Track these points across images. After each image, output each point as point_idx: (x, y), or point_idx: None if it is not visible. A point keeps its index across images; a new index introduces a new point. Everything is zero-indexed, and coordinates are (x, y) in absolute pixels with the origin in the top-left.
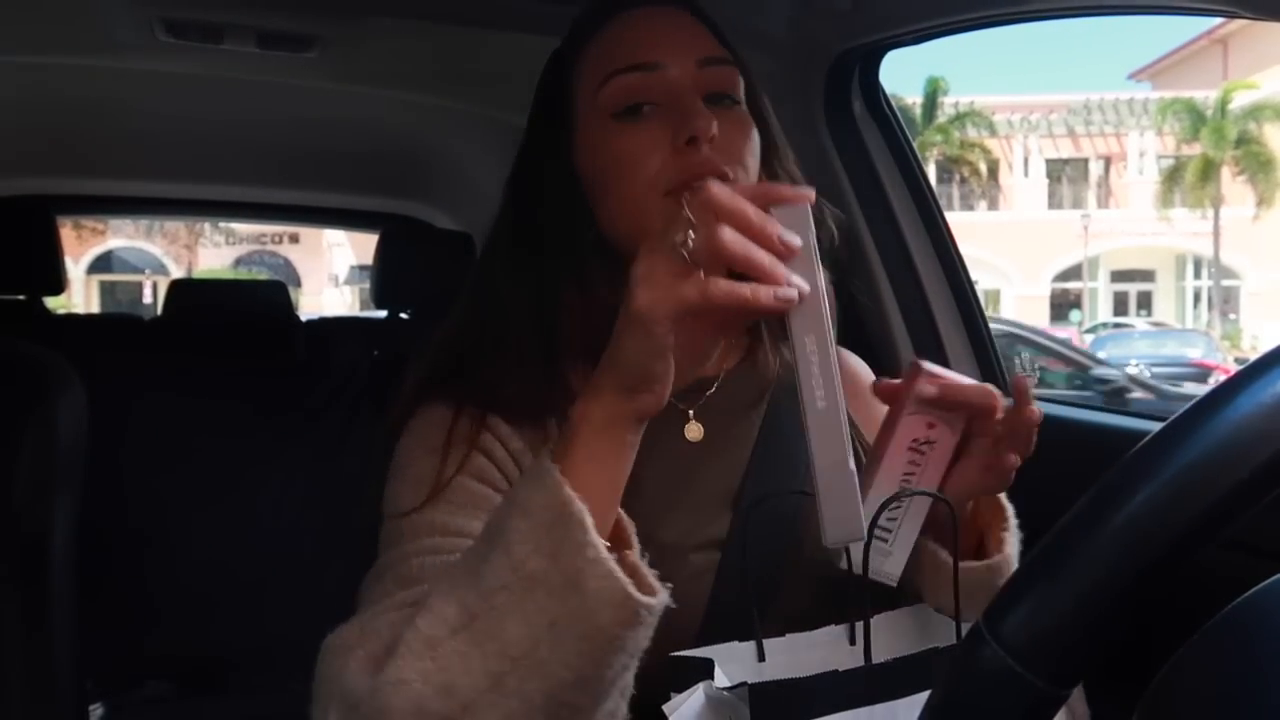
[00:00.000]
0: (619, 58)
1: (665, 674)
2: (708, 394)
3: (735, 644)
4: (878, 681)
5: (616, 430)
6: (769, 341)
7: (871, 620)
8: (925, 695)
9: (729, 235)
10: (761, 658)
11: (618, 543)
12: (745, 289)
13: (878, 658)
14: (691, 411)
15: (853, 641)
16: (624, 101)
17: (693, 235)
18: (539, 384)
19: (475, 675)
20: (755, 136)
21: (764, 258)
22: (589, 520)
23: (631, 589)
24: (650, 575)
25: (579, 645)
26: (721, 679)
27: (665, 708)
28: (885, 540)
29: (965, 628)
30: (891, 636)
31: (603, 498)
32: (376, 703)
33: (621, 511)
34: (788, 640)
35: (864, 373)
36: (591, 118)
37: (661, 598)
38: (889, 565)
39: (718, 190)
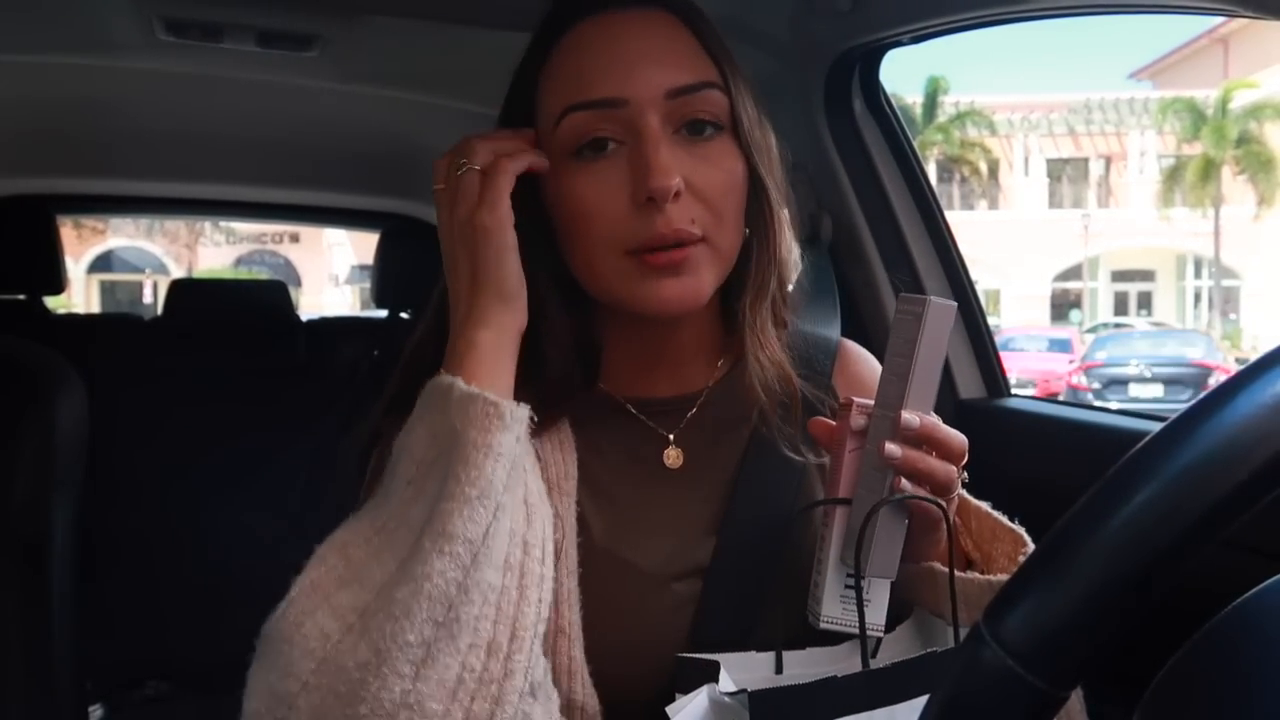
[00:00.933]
0: (575, 89)
1: (670, 676)
2: (688, 415)
3: (754, 653)
4: (878, 686)
5: (504, 340)
6: (753, 359)
7: (884, 636)
8: (924, 699)
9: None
10: (779, 670)
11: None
12: None
13: (884, 661)
14: (672, 436)
15: (863, 642)
16: (579, 141)
17: (465, 162)
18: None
19: (381, 559)
20: (739, 168)
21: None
22: (456, 379)
23: (486, 394)
24: (509, 402)
25: (455, 471)
26: (726, 683)
27: (669, 709)
28: (864, 590)
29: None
30: (899, 647)
31: (495, 387)
32: (288, 618)
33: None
34: (807, 654)
35: (873, 374)
36: (550, 152)
37: (524, 408)
38: (871, 615)
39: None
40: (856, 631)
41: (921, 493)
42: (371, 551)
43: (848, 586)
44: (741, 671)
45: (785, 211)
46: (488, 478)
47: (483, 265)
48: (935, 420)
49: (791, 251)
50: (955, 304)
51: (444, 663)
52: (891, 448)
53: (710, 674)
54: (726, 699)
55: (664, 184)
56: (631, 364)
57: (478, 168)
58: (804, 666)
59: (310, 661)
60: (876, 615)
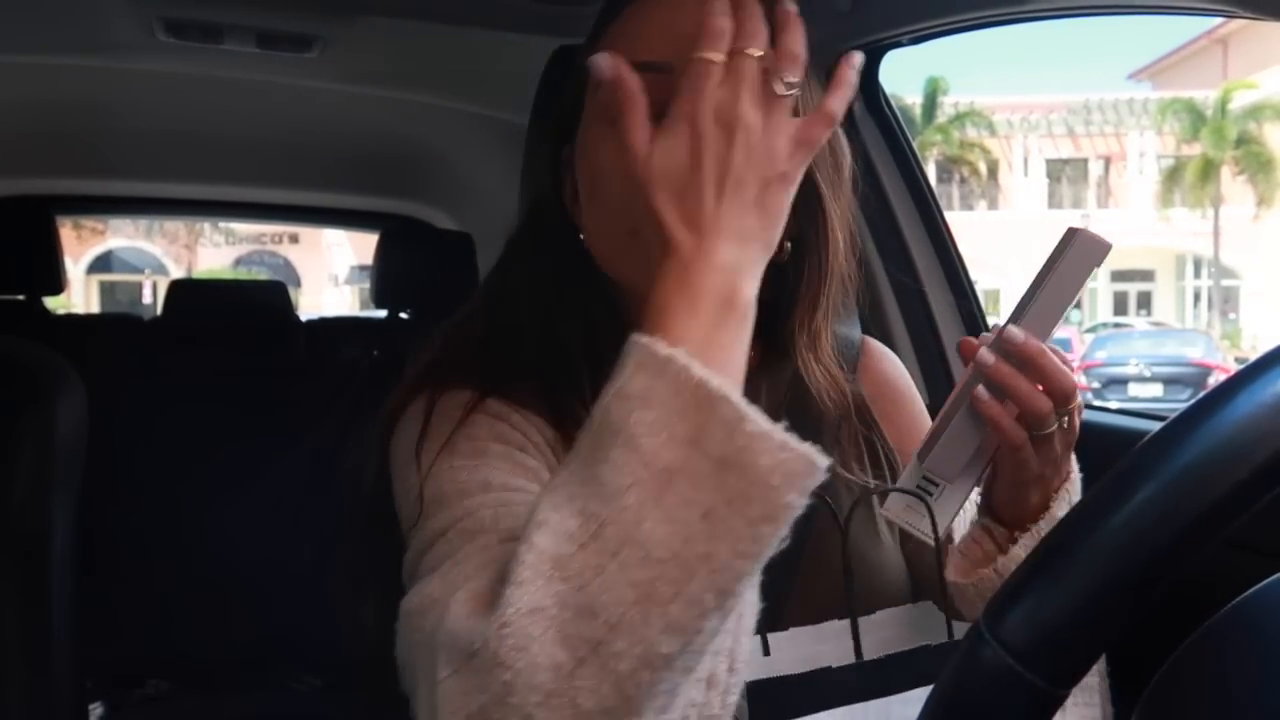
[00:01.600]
0: (623, 51)
1: None
2: None
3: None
4: (871, 678)
5: (737, 293)
6: (797, 342)
7: (875, 616)
8: (918, 691)
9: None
10: (767, 652)
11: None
12: None
13: (880, 649)
14: None
15: (855, 632)
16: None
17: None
18: (554, 380)
19: (619, 589)
20: None
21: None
22: (736, 396)
23: (806, 449)
24: (802, 443)
25: (757, 529)
26: None
27: None
28: (930, 493)
29: (958, 626)
30: (893, 633)
31: (740, 381)
32: (506, 640)
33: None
34: (791, 634)
35: (896, 374)
36: (591, 115)
37: (824, 463)
38: (927, 526)
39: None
40: (911, 529)
41: (998, 408)
42: (594, 567)
43: (918, 487)
44: None
45: (839, 211)
46: (781, 539)
47: (776, 215)
48: (1044, 347)
49: (848, 262)
50: (1109, 244)
51: (678, 702)
52: (985, 353)
53: None
54: None
55: None
56: None
57: (799, 93)
58: (790, 648)
59: (536, 694)
60: (941, 521)
